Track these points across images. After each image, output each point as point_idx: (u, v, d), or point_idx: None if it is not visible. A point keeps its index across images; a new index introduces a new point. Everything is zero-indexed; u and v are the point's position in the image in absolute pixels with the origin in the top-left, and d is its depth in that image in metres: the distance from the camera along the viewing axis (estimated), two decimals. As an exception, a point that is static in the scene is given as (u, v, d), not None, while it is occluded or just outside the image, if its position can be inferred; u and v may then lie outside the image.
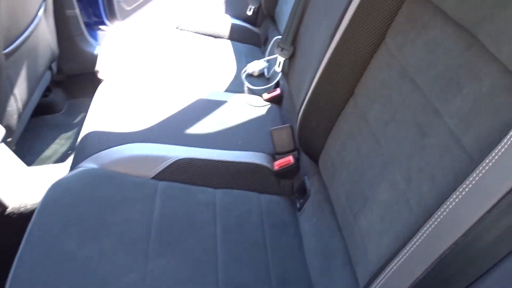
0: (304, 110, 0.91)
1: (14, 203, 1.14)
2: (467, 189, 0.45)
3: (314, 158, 0.96)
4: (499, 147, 0.42)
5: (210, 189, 0.98)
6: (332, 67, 0.84)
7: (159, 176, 0.97)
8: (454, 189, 0.51)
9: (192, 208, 0.91)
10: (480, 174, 0.43)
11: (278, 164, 1.03)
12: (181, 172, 0.98)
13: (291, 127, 1.06)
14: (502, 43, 0.50)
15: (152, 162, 0.99)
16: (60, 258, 0.74)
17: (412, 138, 0.62)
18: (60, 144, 1.68)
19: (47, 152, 1.64)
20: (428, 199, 0.56)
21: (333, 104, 0.86)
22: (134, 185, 0.93)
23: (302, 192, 0.99)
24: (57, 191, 0.87)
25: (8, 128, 1.25)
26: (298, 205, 0.99)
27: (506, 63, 0.49)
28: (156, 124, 1.10)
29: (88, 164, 0.97)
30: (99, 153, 0.99)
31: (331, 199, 0.84)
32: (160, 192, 0.93)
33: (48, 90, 1.78)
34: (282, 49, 1.15)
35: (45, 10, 1.52)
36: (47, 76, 1.66)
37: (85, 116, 1.82)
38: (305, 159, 1.01)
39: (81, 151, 1.03)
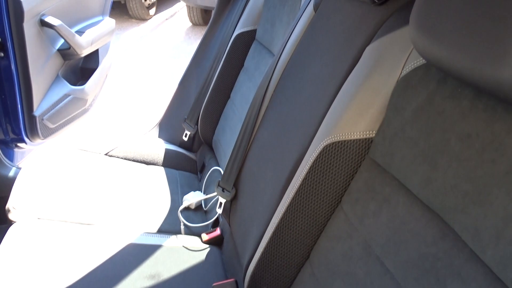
0: (254, 272, 0.81)
1: None
2: None
3: (266, 326, 0.83)
4: None
5: None
6: (284, 226, 0.76)
7: None
8: None
9: None
10: None
11: (222, 328, 0.89)
12: None
13: (236, 283, 0.94)
14: (485, 245, 0.45)
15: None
16: None
17: (389, 336, 0.54)
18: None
19: None
20: None
21: (286, 269, 0.77)
22: None
23: None
24: None
25: None
26: None
27: (493, 268, 0.44)
28: (77, 282, 0.92)
29: None
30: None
31: None
32: None
33: None
34: (223, 190, 1.07)
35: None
36: None
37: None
38: (253, 323, 0.88)
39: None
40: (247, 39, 1.43)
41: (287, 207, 0.76)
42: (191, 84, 1.69)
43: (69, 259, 0.98)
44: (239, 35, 1.44)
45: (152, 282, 0.97)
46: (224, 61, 1.46)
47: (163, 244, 1.10)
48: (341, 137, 0.69)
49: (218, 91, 1.48)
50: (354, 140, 0.68)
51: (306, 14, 1.02)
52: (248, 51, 1.43)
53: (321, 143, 0.71)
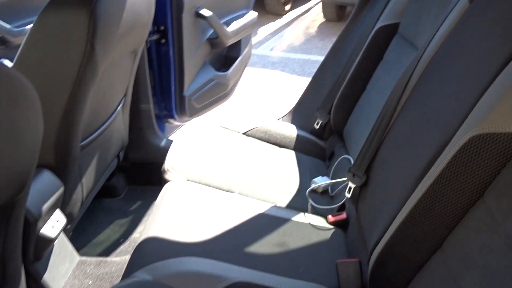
0: (380, 254, 0.84)
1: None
2: None
3: (387, 307, 0.86)
4: None
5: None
6: (417, 214, 0.78)
7: (214, 299, 0.90)
8: None
9: None
10: None
11: (342, 303, 0.94)
12: (237, 297, 0.91)
13: (360, 263, 0.98)
14: None
15: (208, 281, 0.93)
16: None
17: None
18: (113, 231, 1.67)
19: (100, 237, 1.63)
20: None
21: (416, 255, 0.78)
22: (187, 306, 0.86)
23: None
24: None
25: (69, 216, 1.26)
26: None
27: None
28: (215, 238, 1.06)
29: (142, 275, 0.93)
30: (155, 264, 0.95)
31: None
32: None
33: (111, 174, 1.83)
34: (354, 175, 1.11)
35: (123, 105, 1.61)
36: (114, 163, 1.71)
37: (142, 204, 1.83)
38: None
39: (136, 258, 1.00)
40: (389, 32, 1.43)
41: (422, 195, 0.76)
42: (326, 75, 1.74)
43: (209, 218, 1.12)
44: (381, 28, 1.45)
45: (279, 249, 1.07)
46: (362, 54, 1.48)
47: (291, 218, 1.19)
48: (490, 129, 0.68)
49: (354, 83, 1.50)
50: (506, 134, 0.66)
51: (458, 6, 0.99)
52: (388, 45, 1.43)
53: (467, 134, 0.71)
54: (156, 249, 1.01)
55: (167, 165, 1.33)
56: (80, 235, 1.62)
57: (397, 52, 1.35)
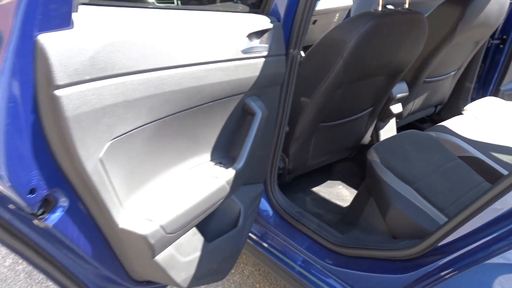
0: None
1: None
2: None
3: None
4: None
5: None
6: None
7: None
8: None
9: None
10: None
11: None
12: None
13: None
14: None
15: (458, 149, 1.81)
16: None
17: None
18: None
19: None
20: None
21: None
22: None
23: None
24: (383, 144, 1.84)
25: (399, 115, 2.32)
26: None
27: None
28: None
29: (431, 133, 1.90)
30: (437, 132, 1.91)
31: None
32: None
33: (423, 119, 2.83)
34: None
35: (454, 75, 2.54)
36: (430, 110, 2.69)
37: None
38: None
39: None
40: None
41: None
42: None
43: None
44: None
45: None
46: None
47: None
48: None
49: None
50: None
51: None
52: None
53: None
54: (441, 127, 1.96)
55: (467, 107, 2.22)
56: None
57: None
